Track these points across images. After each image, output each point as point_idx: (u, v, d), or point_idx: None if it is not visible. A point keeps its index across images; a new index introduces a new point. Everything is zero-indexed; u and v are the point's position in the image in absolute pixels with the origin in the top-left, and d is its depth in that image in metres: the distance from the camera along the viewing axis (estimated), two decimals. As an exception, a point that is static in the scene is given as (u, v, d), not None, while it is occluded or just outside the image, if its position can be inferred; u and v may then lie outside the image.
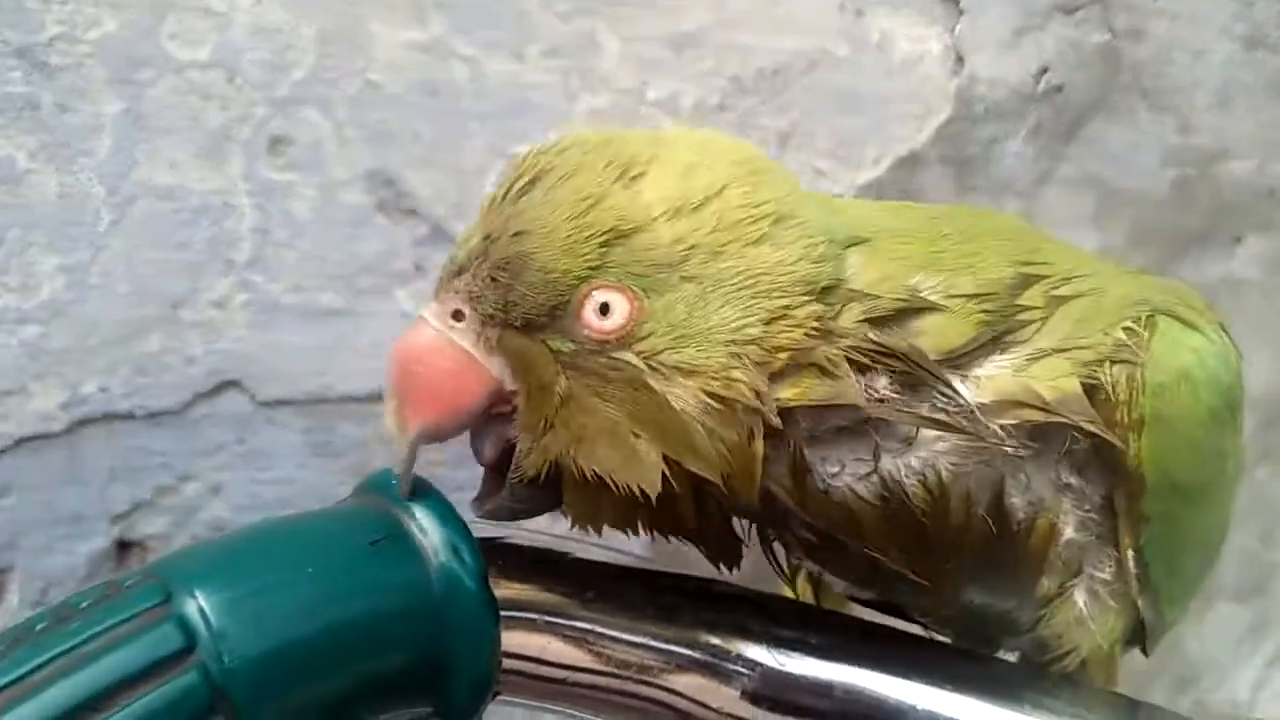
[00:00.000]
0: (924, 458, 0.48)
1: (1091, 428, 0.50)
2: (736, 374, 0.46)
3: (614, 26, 0.85)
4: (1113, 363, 0.51)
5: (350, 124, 0.82)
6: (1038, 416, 0.49)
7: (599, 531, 0.51)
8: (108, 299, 0.80)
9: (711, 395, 0.46)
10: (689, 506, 0.48)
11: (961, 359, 0.49)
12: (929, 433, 0.48)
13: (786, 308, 0.46)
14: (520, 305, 0.47)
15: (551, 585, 0.50)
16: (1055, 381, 0.50)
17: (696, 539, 0.53)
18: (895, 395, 0.48)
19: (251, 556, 0.42)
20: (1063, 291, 0.53)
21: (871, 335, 0.47)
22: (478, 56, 0.83)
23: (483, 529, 0.49)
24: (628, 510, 0.48)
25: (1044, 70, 0.96)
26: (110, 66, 0.78)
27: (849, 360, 0.47)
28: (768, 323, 0.46)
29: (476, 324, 0.48)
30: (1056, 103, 0.97)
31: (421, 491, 0.47)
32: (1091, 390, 0.50)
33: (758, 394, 0.46)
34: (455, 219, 0.86)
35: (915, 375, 0.47)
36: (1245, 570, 1.27)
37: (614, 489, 0.46)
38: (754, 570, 0.56)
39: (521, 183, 0.48)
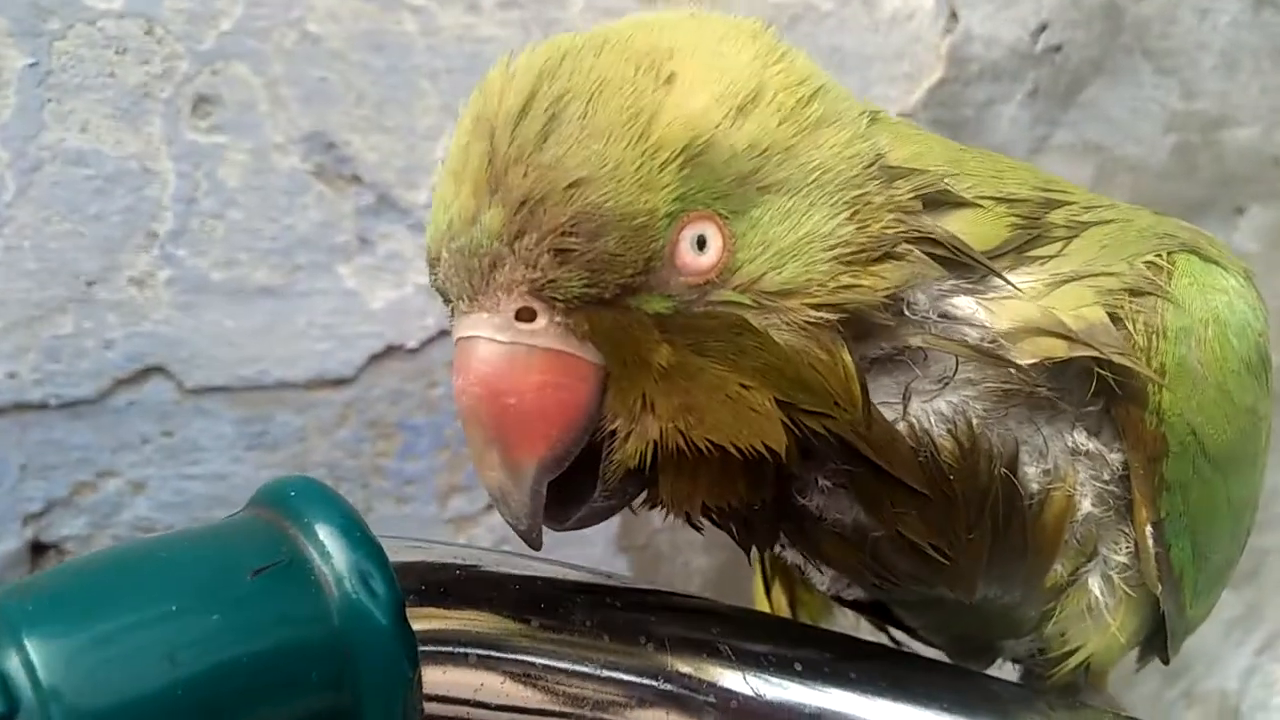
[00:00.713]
0: (954, 404, 0.42)
1: (1123, 360, 0.43)
2: (845, 279, 0.40)
3: (578, -26, 0.76)
4: (1134, 295, 0.44)
5: (285, 81, 0.73)
6: (1059, 348, 0.42)
7: (695, 515, 0.43)
8: (13, 277, 0.71)
9: (819, 308, 0.40)
10: (779, 465, 0.41)
11: (981, 277, 0.43)
12: (962, 374, 0.42)
13: (861, 195, 0.41)
14: (609, 269, 0.37)
15: (486, 610, 0.41)
16: (1079, 310, 0.43)
17: (748, 519, 0.45)
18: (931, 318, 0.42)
19: (102, 592, 0.33)
20: (1085, 218, 0.46)
21: (925, 218, 0.42)
22: (428, 6, 0.74)
23: (400, 549, 0.39)
24: (726, 482, 0.41)
25: (1042, 27, 0.87)
26: (11, 16, 0.68)
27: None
28: (852, 214, 0.41)
29: (559, 316, 0.38)
30: (1055, 63, 0.89)
31: (322, 502, 0.37)
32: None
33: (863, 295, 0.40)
34: (405, 187, 0.77)
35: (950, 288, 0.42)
36: (1239, 558, 1.19)
37: (730, 456, 0.40)
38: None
39: (535, 118, 0.38)
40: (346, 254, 0.78)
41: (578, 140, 0.37)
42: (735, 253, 0.39)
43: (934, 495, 0.42)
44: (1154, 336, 0.43)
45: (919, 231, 0.41)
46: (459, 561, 0.42)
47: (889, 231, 0.41)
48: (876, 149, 0.42)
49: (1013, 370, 0.42)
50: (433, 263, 0.40)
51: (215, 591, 0.33)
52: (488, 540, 0.88)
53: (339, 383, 0.81)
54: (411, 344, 0.81)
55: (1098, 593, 0.47)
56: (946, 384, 0.42)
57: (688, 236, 0.38)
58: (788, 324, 0.39)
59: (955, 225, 0.43)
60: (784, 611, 0.59)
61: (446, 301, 0.40)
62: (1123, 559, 0.47)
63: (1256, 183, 0.99)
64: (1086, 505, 0.45)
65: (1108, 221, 0.47)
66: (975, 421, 0.42)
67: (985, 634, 0.53)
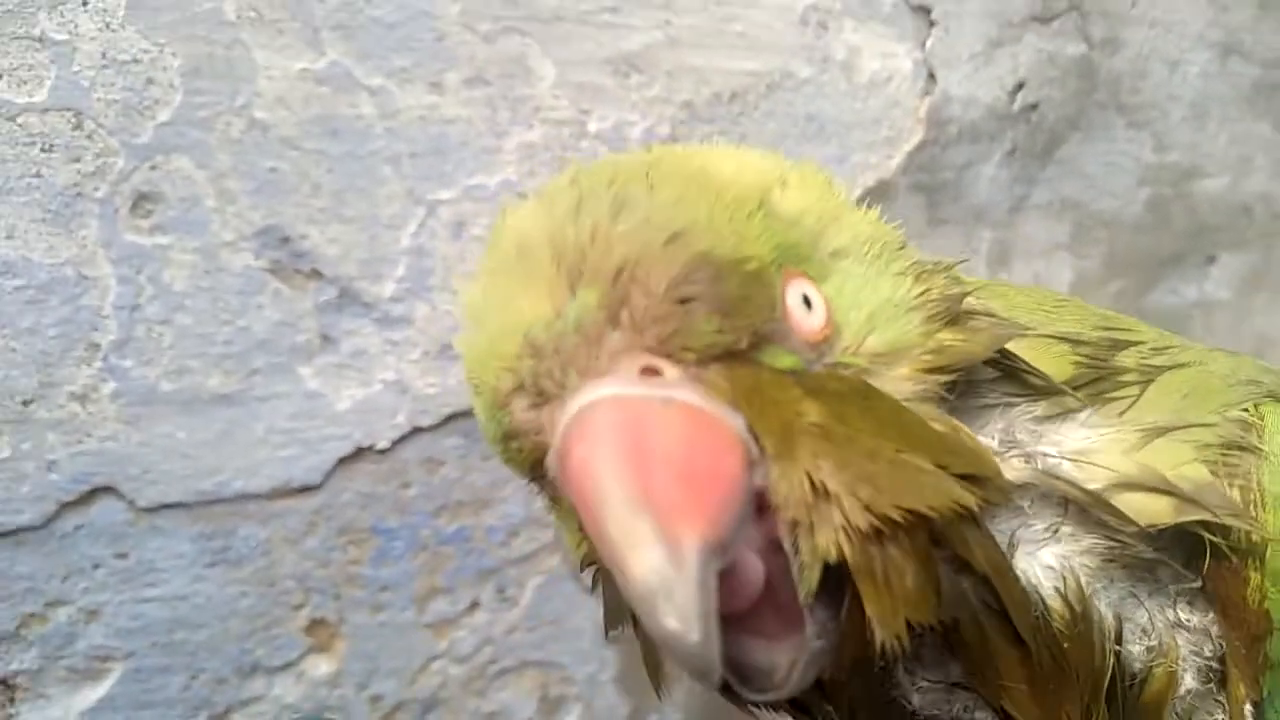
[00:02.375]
0: (1062, 557, 0.35)
1: (1238, 523, 0.36)
2: (942, 336, 0.36)
3: (547, 48, 0.67)
4: (1228, 454, 0.37)
5: (233, 174, 0.63)
6: (1165, 508, 0.35)
7: (903, 637, 0.31)
8: (-63, 399, 0.60)
9: (927, 371, 0.35)
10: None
11: (1051, 419, 0.36)
12: (1069, 527, 0.35)
13: (915, 262, 0.38)
14: (740, 314, 0.31)
15: None
16: (1179, 469, 0.36)
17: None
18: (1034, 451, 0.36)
19: None
20: (1158, 361, 0.39)
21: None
22: (387, 87, 0.65)
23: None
24: (925, 580, 0.32)
25: (1019, 86, 0.80)
26: (-76, 113, 0.57)
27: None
28: (915, 278, 0.37)
29: (691, 370, 0.31)
30: (1032, 121, 0.81)
31: None
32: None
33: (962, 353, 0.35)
34: (369, 279, 0.67)
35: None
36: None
37: (927, 559, 0.31)
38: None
39: (598, 204, 0.33)
40: (308, 354, 0.68)
41: (655, 207, 0.32)
42: (835, 315, 0.34)
43: (1045, 663, 0.34)
44: (1251, 505, 0.36)
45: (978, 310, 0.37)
46: None
47: (952, 291, 0.37)
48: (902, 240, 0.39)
49: (1123, 528, 0.34)
50: (504, 390, 0.32)
51: None
52: (471, 643, 0.78)
53: (305, 490, 0.70)
54: (382, 444, 0.71)
55: None
56: (1054, 535, 0.35)
57: (793, 294, 0.33)
58: (902, 392, 0.34)
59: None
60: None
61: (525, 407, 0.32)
62: None
63: (1227, 231, 0.93)
64: (1188, 681, 0.38)
65: (1183, 365, 0.40)
66: (1084, 581, 0.35)
67: None
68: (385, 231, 0.67)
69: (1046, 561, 0.35)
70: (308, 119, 0.63)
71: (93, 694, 0.69)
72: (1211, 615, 0.38)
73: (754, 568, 0.30)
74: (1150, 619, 0.37)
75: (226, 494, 0.68)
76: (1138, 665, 0.37)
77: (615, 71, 0.69)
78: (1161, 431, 0.37)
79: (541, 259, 0.32)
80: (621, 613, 0.35)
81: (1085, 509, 0.35)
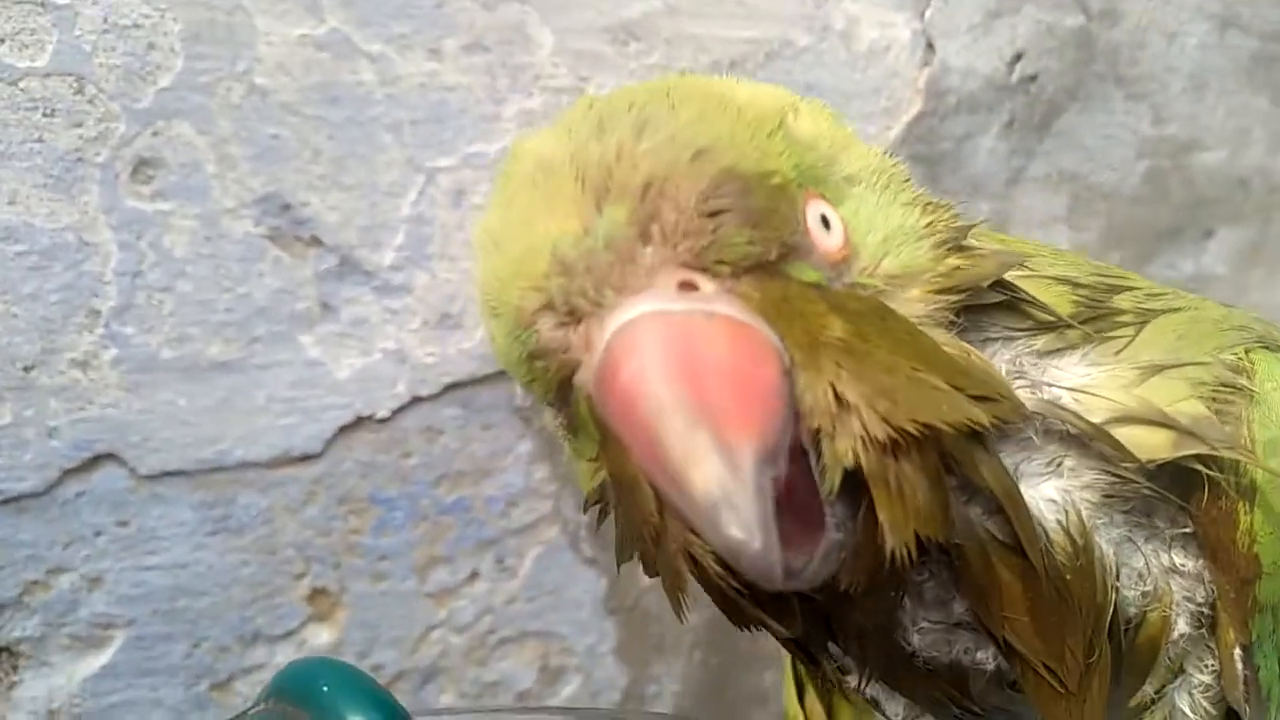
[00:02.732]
0: (1065, 491, 0.36)
1: (1236, 455, 0.37)
2: (951, 261, 0.37)
3: (546, 16, 0.68)
4: (1222, 394, 0.38)
5: (234, 140, 0.64)
6: (1164, 441, 0.36)
7: (912, 548, 0.32)
8: (-60, 365, 0.61)
9: (939, 293, 0.36)
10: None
11: (1051, 354, 0.38)
12: (1071, 461, 0.36)
13: (919, 194, 0.40)
14: (768, 224, 0.32)
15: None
16: (1176, 405, 0.37)
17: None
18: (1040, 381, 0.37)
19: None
20: (1152, 305, 0.41)
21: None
22: (386, 54, 0.66)
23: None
24: (938, 497, 0.32)
25: (1018, 57, 0.81)
26: (-75, 78, 0.58)
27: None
28: (922, 209, 0.39)
29: (726, 283, 0.31)
30: (1030, 93, 0.83)
31: (360, 696, 0.29)
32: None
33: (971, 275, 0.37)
34: (369, 247, 0.68)
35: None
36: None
37: (939, 473, 0.32)
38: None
39: (621, 125, 0.33)
40: (308, 322, 0.69)
41: (679, 125, 0.33)
42: (852, 237, 0.35)
43: (1048, 594, 0.35)
44: (1240, 450, 0.37)
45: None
46: None
47: (956, 224, 0.39)
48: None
49: (1123, 463, 0.35)
50: (530, 309, 0.32)
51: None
52: (471, 612, 0.79)
53: (305, 459, 0.71)
54: (382, 413, 0.72)
55: (1185, 709, 0.41)
56: (1056, 469, 0.36)
57: (813, 213, 0.34)
58: (915, 313, 0.35)
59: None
60: (818, 718, 0.51)
61: (558, 328, 0.32)
62: (1207, 678, 0.40)
63: (1225, 205, 0.94)
64: (1181, 625, 0.39)
65: (1177, 310, 0.41)
66: (1085, 514, 0.36)
67: None
68: (385, 199, 0.68)
69: (1049, 495, 0.36)
70: (308, 85, 0.64)
71: (95, 661, 0.70)
72: (1203, 561, 0.39)
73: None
74: (1146, 563, 0.38)
75: (227, 462, 0.69)
76: (1133, 610, 0.38)
77: (614, 39, 0.70)
78: (1158, 369, 0.38)
79: (564, 178, 0.33)
80: (635, 542, 0.35)
81: (1086, 443, 0.36)
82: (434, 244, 0.70)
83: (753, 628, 0.37)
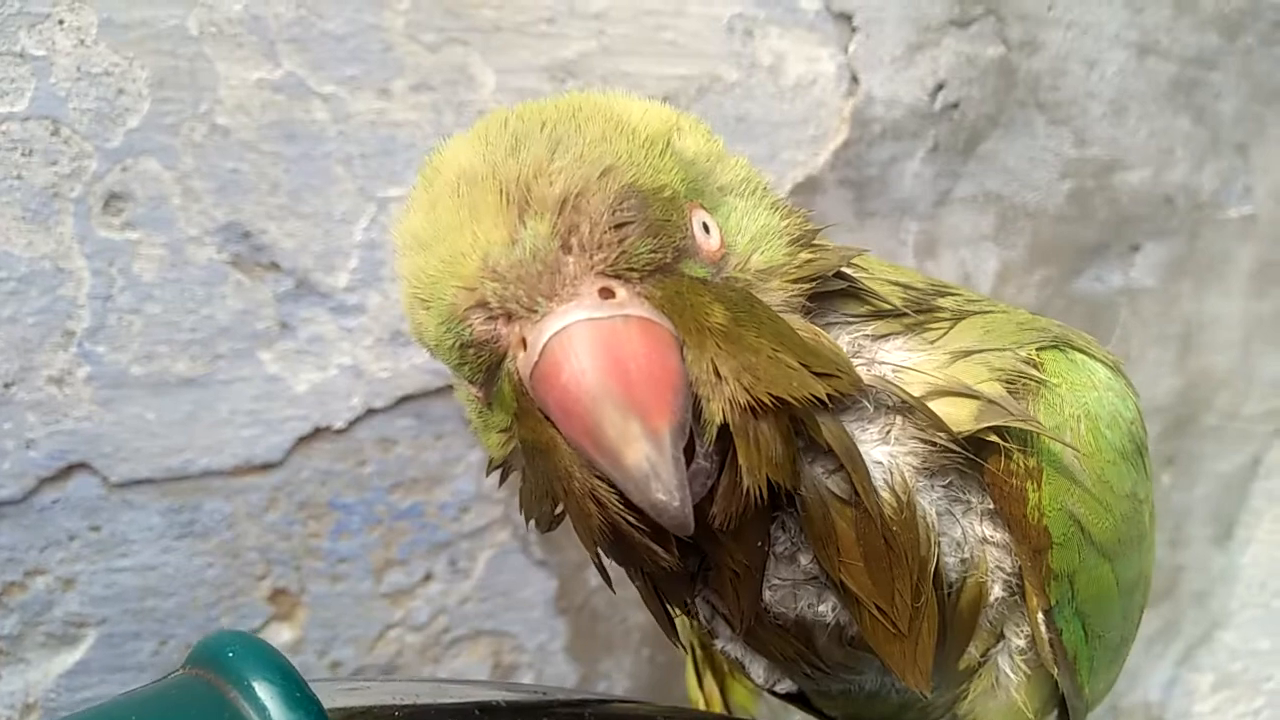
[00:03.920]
0: (891, 454, 0.43)
1: (1028, 426, 0.44)
2: (803, 256, 0.45)
3: (488, 57, 0.75)
4: (1016, 382, 0.45)
5: (197, 174, 0.71)
6: (968, 410, 0.43)
7: (762, 492, 0.39)
8: (-74, 382, 0.68)
9: (795, 283, 0.44)
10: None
11: (881, 338, 0.45)
12: (896, 430, 0.43)
13: (778, 200, 0.47)
14: (664, 233, 0.40)
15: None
16: (979, 384, 0.45)
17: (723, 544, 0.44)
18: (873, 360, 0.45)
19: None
20: (970, 307, 0.48)
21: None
22: (338, 94, 0.73)
23: (337, 694, 0.38)
24: (786, 453, 0.40)
25: (939, 86, 0.89)
26: (-87, 120, 0.66)
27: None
28: (783, 215, 0.46)
29: (637, 288, 0.39)
30: (954, 120, 0.90)
31: (260, 661, 0.36)
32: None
33: (820, 266, 0.45)
34: (323, 271, 0.76)
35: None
36: (1154, 575, 1.22)
37: (786, 430, 0.40)
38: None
39: (535, 142, 0.40)
40: (268, 340, 0.76)
41: (585, 145, 0.39)
42: (726, 238, 0.42)
43: (876, 543, 0.42)
44: (1029, 434, 0.44)
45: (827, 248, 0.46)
46: (397, 702, 0.41)
47: (808, 226, 0.46)
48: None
49: (938, 433, 0.42)
50: (463, 306, 0.39)
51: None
52: (426, 612, 0.87)
53: (267, 467, 0.79)
54: (339, 424, 0.80)
55: (1007, 670, 0.47)
56: (885, 436, 0.43)
57: (696, 220, 0.41)
58: (775, 301, 0.43)
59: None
60: (715, 698, 0.59)
61: (489, 326, 0.39)
62: (1022, 642, 0.47)
63: (1150, 221, 1.02)
64: (996, 590, 0.46)
65: (988, 312, 0.48)
66: (908, 475, 0.43)
67: (908, 712, 0.53)
68: (339, 226, 0.75)
69: (877, 458, 0.42)
70: (265, 124, 0.72)
71: (69, 658, 0.77)
72: (1005, 536, 0.45)
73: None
74: (963, 533, 0.45)
75: (193, 470, 0.77)
76: (953, 575, 0.45)
77: (552, 77, 0.78)
78: (964, 354, 0.45)
79: (487, 190, 0.39)
80: (544, 497, 0.42)
81: (909, 414, 0.43)
82: (386, 267, 0.77)
83: (633, 569, 0.44)
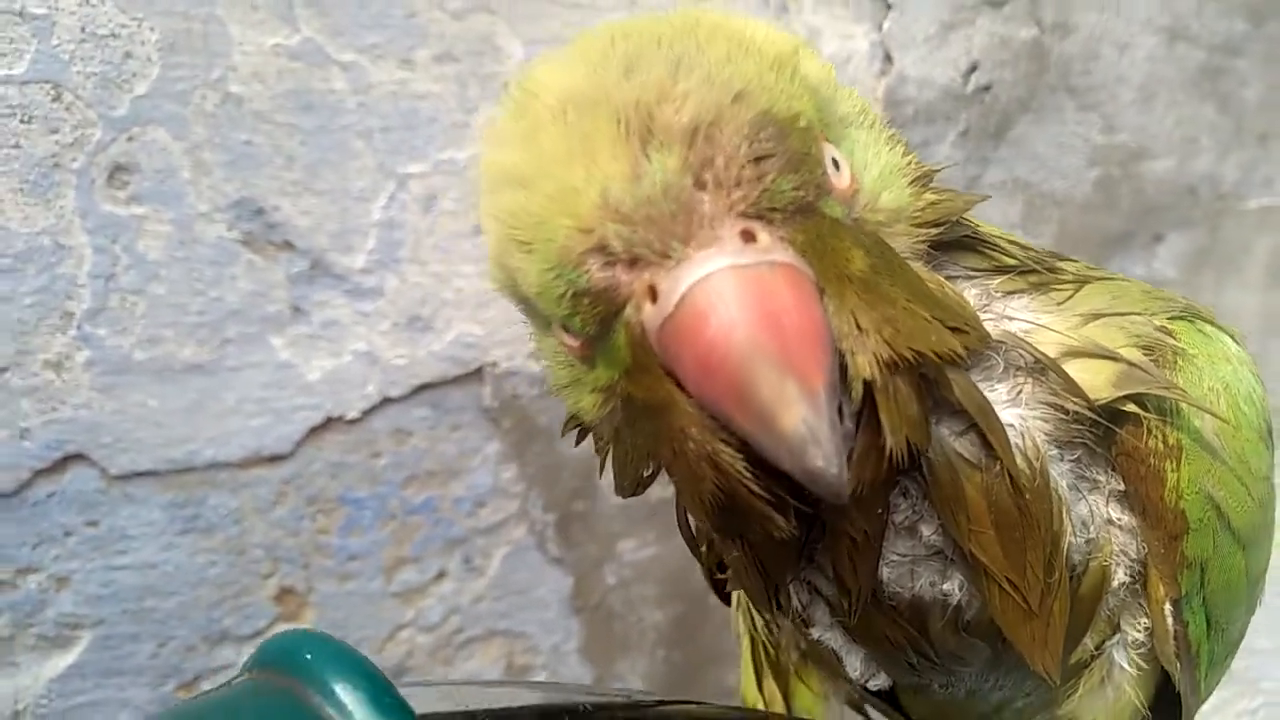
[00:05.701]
0: (1023, 418, 0.40)
1: (1171, 394, 0.40)
2: (928, 197, 0.41)
3: (515, 26, 0.72)
4: (1152, 349, 0.42)
5: (208, 146, 0.67)
6: (1106, 373, 0.40)
7: (903, 449, 0.36)
8: (-87, 366, 0.64)
9: (920, 227, 0.40)
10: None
11: (1005, 295, 0.41)
12: (1027, 393, 0.40)
13: (892, 135, 0.42)
14: (805, 167, 0.35)
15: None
16: (1117, 348, 0.41)
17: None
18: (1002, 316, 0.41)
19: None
20: (1093, 274, 0.45)
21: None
22: (359, 63, 0.69)
23: (417, 694, 0.35)
24: (920, 406, 0.37)
25: (973, 68, 0.86)
26: (-99, 84, 0.61)
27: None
28: (903, 151, 0.42)
29: (779, 231, 0.34)
30: (985, 103, 0.88)
31: (343, 665, 0.33)
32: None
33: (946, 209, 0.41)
34: (339, 251, 0.72)
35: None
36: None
37: (913, 372, 0.36)
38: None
39: (654, 64, 0.35)
40: (279, 324, 0.72)
41: (711, 67, 0.34)
42: (854, 174, 0.38)
43: (1010, 510, 0.38)
44: (1168, 410, 0.41)
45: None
46: (483, 707, 0.38)
47: (925, 167, 0.42)
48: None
49: (1073, 399, 0.39)
50: (578, 250, 0.34)
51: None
52: (438, 612, 0.83)
53: (275, 459, 0.75)
54: (352, 414, 0.76)
55: (1123, 664, 0.44)
56: (1016, 398, 0.40)
57: (827, 152, 0.37)
58: (900, 247, 0.39)
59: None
60: (777, 701, 0.56)
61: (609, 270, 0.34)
62: (1140, 635, 0.44)
63: (1173, 211, 1.00)
64: (1120, 576, 0.43)
65: (1112, 279, 0.45)
66: (1040, 441, 0.39)
67: (1000, 713, 0.50)
68: (356, 204, 0.72)
69: (1009, 420, 0.39)
70: (281, 93, 0.68)
71: (62, 661, 0.73)
72: (1135, 517, 0.42)
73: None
74: (1090, 512, 0.41)
75: (198, 462, 0.73)
76: (1077, 557, 0.41)
77: (582, 50, 0.74)
78: (1097, 316, 0.41)
79: (601, 118, 0.34)
80: (637, 466, 0.38)
81: (1041, 376, 0.39)
82: (405, 248, 0.74)
83: (735, 541, 0.40)
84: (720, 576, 0.54)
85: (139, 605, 0.74)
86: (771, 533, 0.37)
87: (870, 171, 0.39)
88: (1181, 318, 0.44)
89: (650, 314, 0.34)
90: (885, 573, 0.40)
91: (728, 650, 0.95)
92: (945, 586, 0.41)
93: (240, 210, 0.69)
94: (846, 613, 0.41)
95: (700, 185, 0.33)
